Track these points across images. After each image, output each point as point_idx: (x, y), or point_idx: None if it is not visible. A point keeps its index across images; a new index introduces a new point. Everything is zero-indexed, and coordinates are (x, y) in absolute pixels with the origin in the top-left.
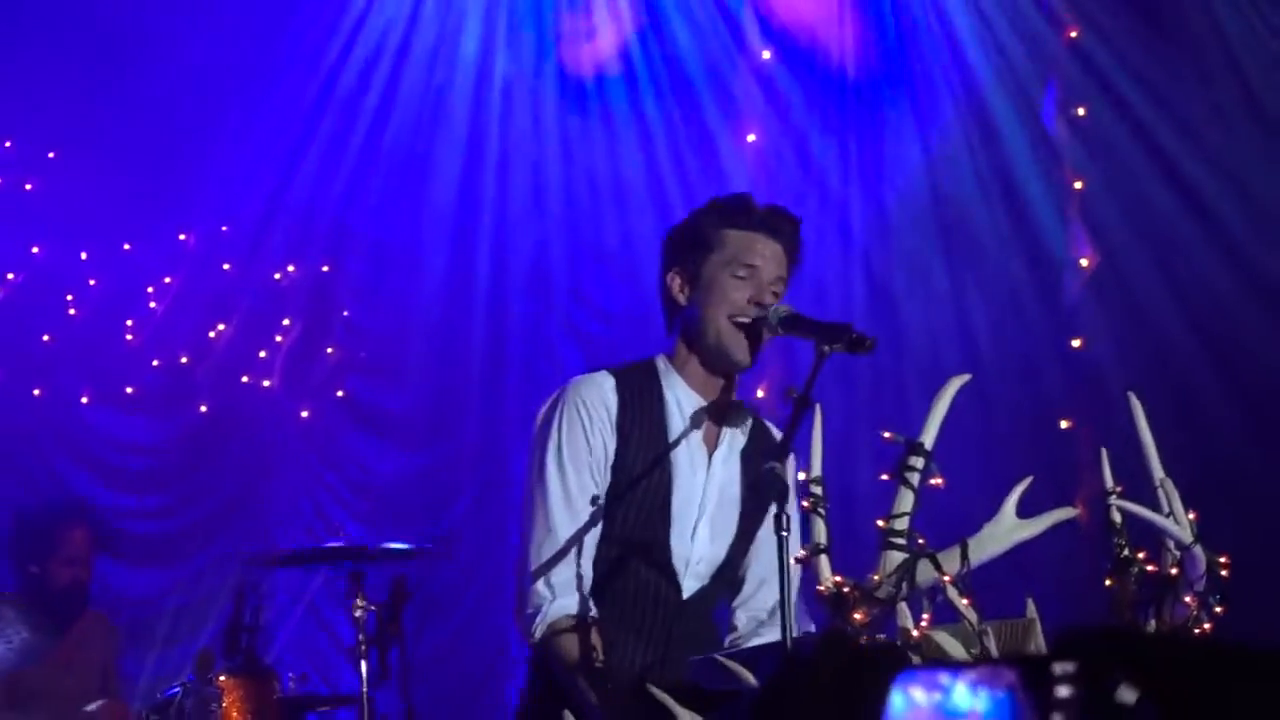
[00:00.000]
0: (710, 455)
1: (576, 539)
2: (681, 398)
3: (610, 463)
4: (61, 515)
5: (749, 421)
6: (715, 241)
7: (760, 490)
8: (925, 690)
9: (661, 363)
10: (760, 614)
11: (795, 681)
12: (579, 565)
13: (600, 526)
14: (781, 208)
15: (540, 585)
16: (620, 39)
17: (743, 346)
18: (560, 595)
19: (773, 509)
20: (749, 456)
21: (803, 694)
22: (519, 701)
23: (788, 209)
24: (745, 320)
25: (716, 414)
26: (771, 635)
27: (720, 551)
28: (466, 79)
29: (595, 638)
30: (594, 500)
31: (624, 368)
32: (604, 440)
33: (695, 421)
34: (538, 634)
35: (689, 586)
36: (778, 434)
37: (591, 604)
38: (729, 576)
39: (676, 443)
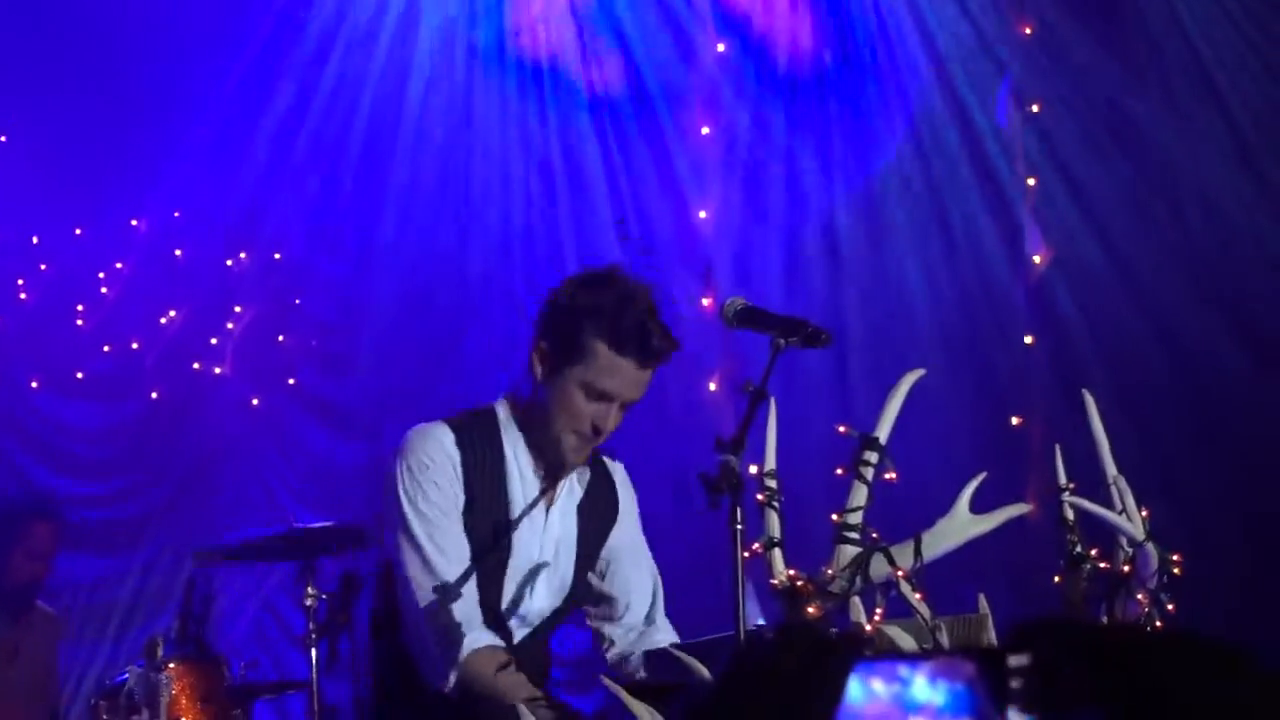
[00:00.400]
0: (547, 510)
1: (470, 578)
2: (520, 454)
3: (460, 516)
4: (30, 508)
5: (586, 472)
6: (585, 352)
7: (593, 528)
8: (884, 681)
9: (503, 412)
10: (637, 625)
11: (753, 669)
12: (475, 602)
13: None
14: (664, 333)
15: (451, 624)
16: (572, 27)
17: (577, 455)
18: (472, 630)
19: (620, 507)
20: (584, 508)
21: (760, 682)
22: None
23: (669, 331)
24: (585, 437)
25: (553, 470)
26: (668, 637)
27: (553, 602)
28: (423, 63)
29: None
30: (465, 543)
31: (462, 419)
32: (454, 490)
33: (533, 477)
34: (453, 678)
35: (519, 634)
36: (616, 471)
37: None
38: (559, 619)
39: (514, 502)
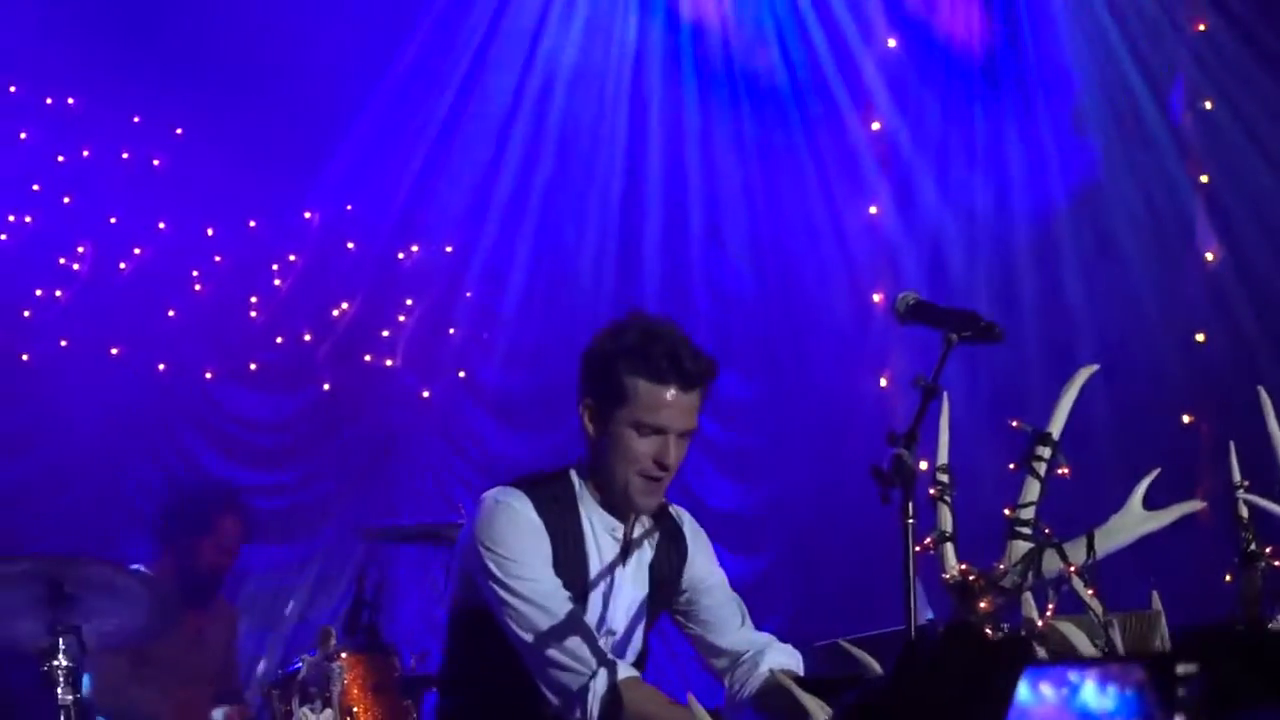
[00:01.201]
0: (624, 569)
1: (576, 615)
2: (594, 517)
3: (550, 565)
4: (219, 501)
5: (656, 533)
6: (626, 394)
7: (663, 580)
8: (1053, 685)
9: (576, 480)
10: (740, 648)
11: (921, 670)
12: (593, 637)
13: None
14: (696, 355)
15: (570, 668)
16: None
17: (648, 498)
18: (607, 664)
19: (688, 555)
20: (655, 568)
21: (928, 683)
22: None
23: (703, 352)
24: (651, 476)
25: (627, 522)
26: (780, 655)
27: (631, 659)
28: (595, 54)
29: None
30: (559, 588)
31: (536, 485)
32: (542, 547)
33: (608, 540)
34: (596, 709)
35: None
36: (683, 519)
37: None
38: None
39: (592, 566)
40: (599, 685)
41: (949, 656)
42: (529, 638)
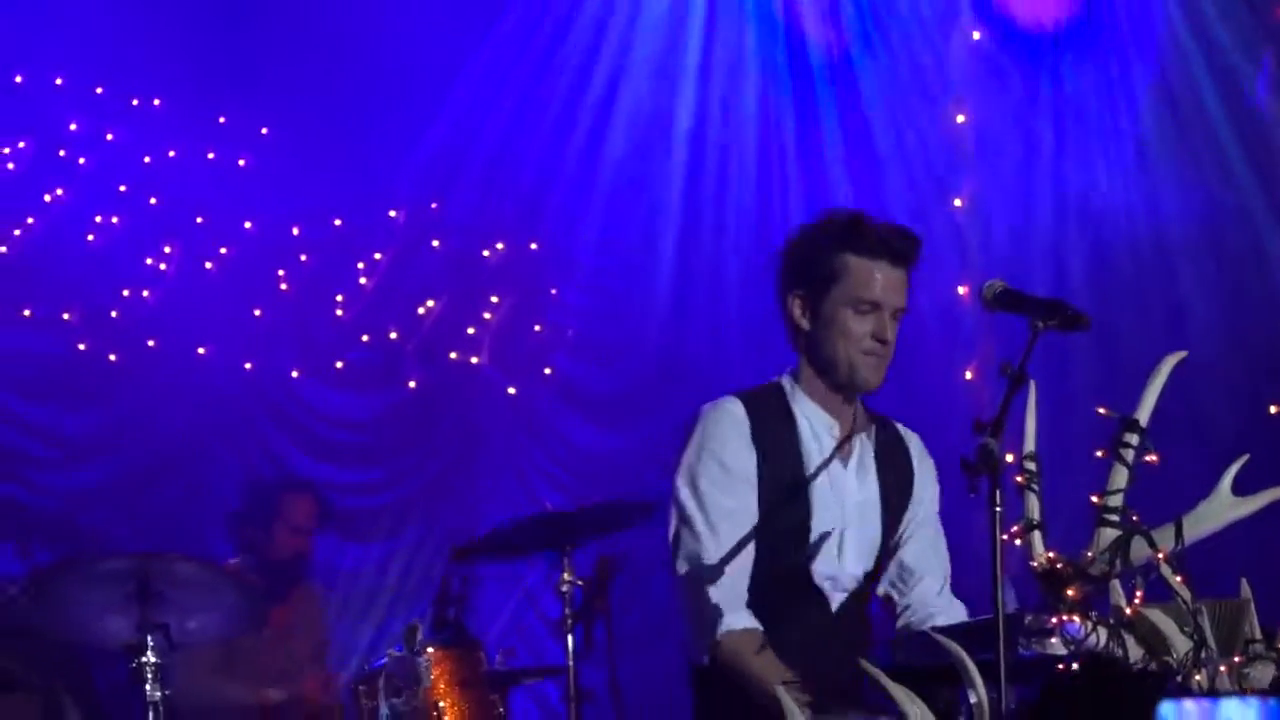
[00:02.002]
0: (845, 469)
1: (738, 556)
2: (810, 416)
3: (755, 486)
4: (291, 484)
5: (873, 428)
6: (836, 272)
7: (895, 492)
8: (1195, 703)
9: (787, 383)
10: (928, 600)
11: (1066, 701)
12: (743, 582)
13: (753, 546)
14: (904, 233)
15: (709, 604)
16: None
17: (874, 373)
18: (730, 612)
19: (915, 478)
20: (881, 463)
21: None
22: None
23: (910, 231)
24: (874, 353)
25: (845, 426)
26: (951, 616)
27: (866, 565)
28: (691, 57)
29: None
30: (746, 519)
31: (750, 392)
32: (745, 461)
33: (826, 434)
34: (711, 652)
35: (836, 600)
36: (912, 441)
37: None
38: (873, 585)
39: (811, 462)
40: (721, 631)
41: (1092, 687)
42: (684, 562)
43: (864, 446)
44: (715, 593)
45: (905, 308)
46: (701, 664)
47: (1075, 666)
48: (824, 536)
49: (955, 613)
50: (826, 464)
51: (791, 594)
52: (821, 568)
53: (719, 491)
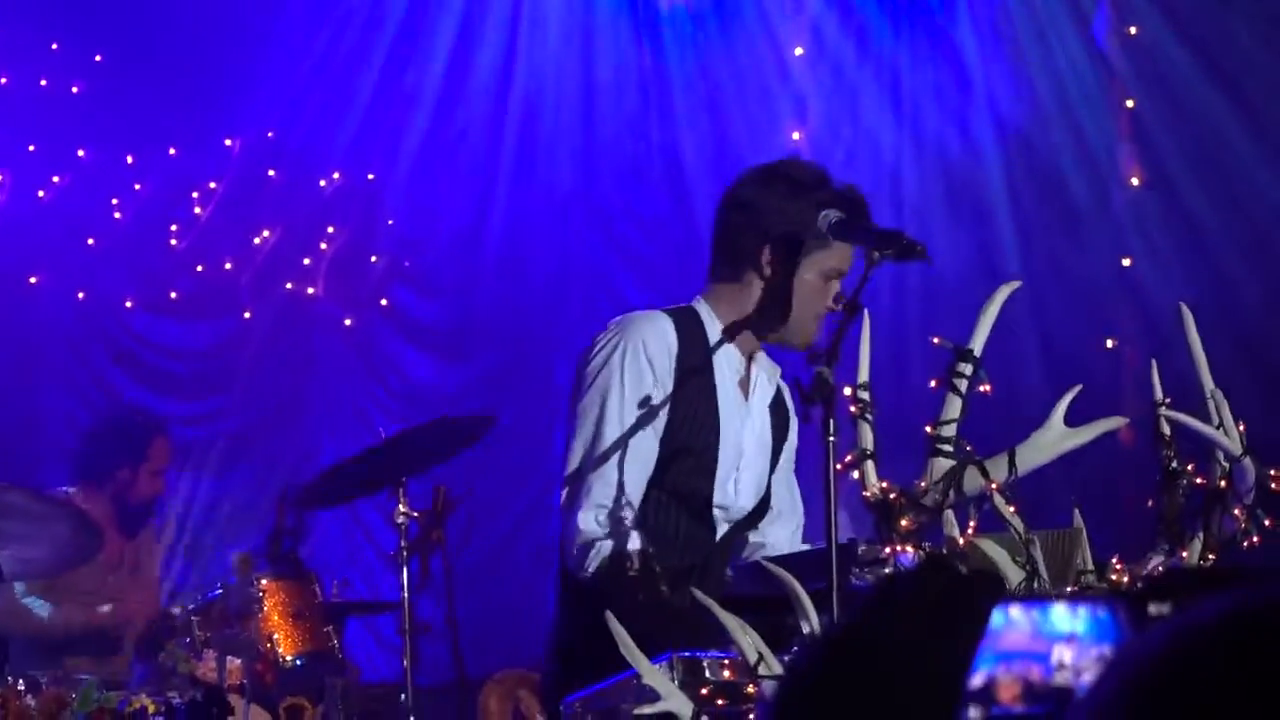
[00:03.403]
0: (747, 404)
1: (635, 479)
2: (721, 353)
3: (667, 406)
4: (151, 426)
5: (776, 370)
6: (825, 247)
7: (776, 432)
8: (1023, 608)
9: (704, 309)
10: (779, 548)
11: (898, 607)
12: (633, 505)
13: (650, 465)
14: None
15: (593, 523)
16: None
17: (814, 337)
18: (617, 535)
19: (790, 422)
20: (773, 408)
21: (903, 620)
22: (552, 634)
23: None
24: (824, 313)
25: (749, 363)
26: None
27: (752, 500)
28: None
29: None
30: (650, 442)
31: (675, 311)
32: (664, 384)
33: (733, 367)
34: (590, 569)
35: (720, 530)
36: (786, 391)
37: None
38: (753, 520)
39: (722, 392)
40: (606, 548)
41: (925, 592)
42: (578, 471)
43: (764, 386)
44: (610, 511)
45: None
46: (579, 576)
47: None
48: (725, 468)
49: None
50: (733, 396)
51: (684, 520)
52: (718, 498)
53: (631, 404)
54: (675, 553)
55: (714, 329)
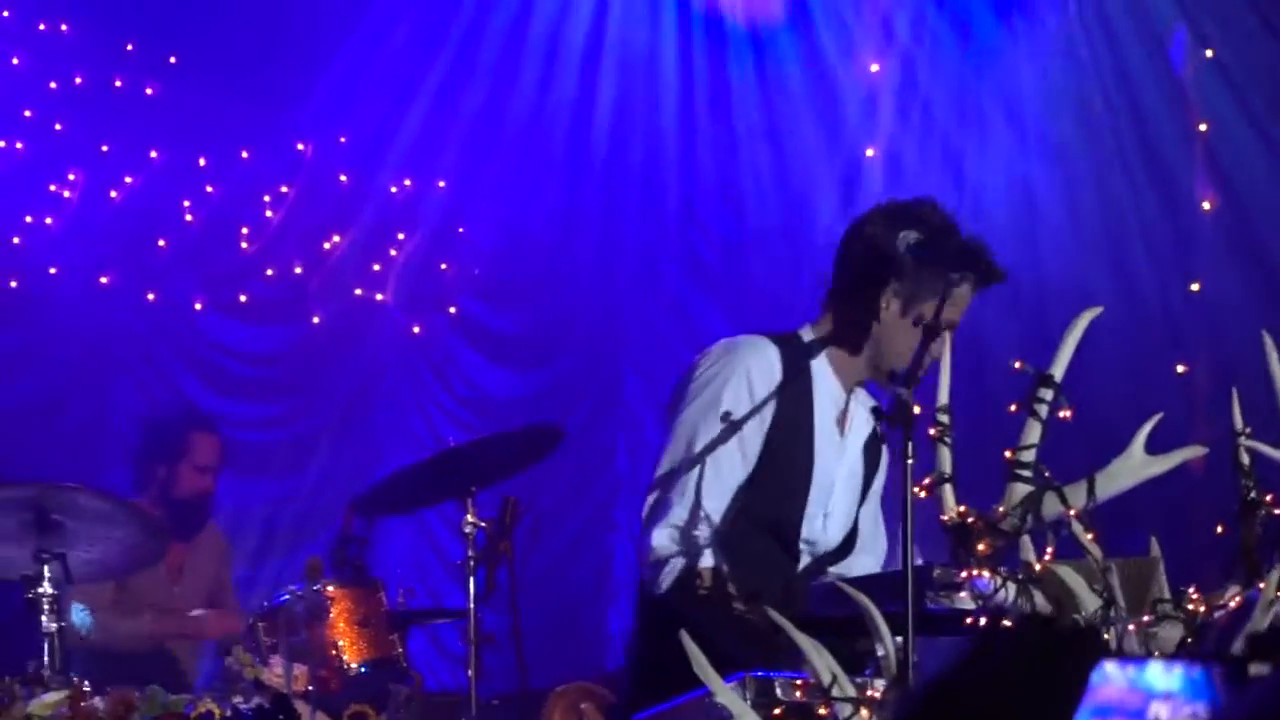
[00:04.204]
0: (843, 439)
1: (715, 503)
2: (827, 378)
3: (763, 435)
4: (195, 421)
5: (870, 402)
6: (938, 286)
7: (868, 469)
8: (1119, 664)
9: (810, 339)
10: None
11: (989, 665)
12: (712, 528)
13: (736, 495)
14: (999, 269)
15: (667, 540)
16: None
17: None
18: (691, 553)
19: (882, 459)
20: (869, 442)
21: (996, 680)
22: (634, 646)
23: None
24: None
25: (849, 398)
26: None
27: (838, 536)
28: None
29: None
30: (737, 470)
31: (781, 337)
32: (764, 412)
33: (833, 402)
34: (664, 585)
35: (804, 562)
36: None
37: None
38: (839, 554)
39: (819, 426)
40: (679, 565)
41: (1024, 651)
42: (665, 489)
43: (861, 424)
44: (686, 530)
45: None
46: (654, 592)
47: (1003, 623)
48: (815, 503)
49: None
50: (830, 430)
51: (769, 549)
52: (806, 532)
53: (726, 431)
54: (756, 579)
55: (819, 361)
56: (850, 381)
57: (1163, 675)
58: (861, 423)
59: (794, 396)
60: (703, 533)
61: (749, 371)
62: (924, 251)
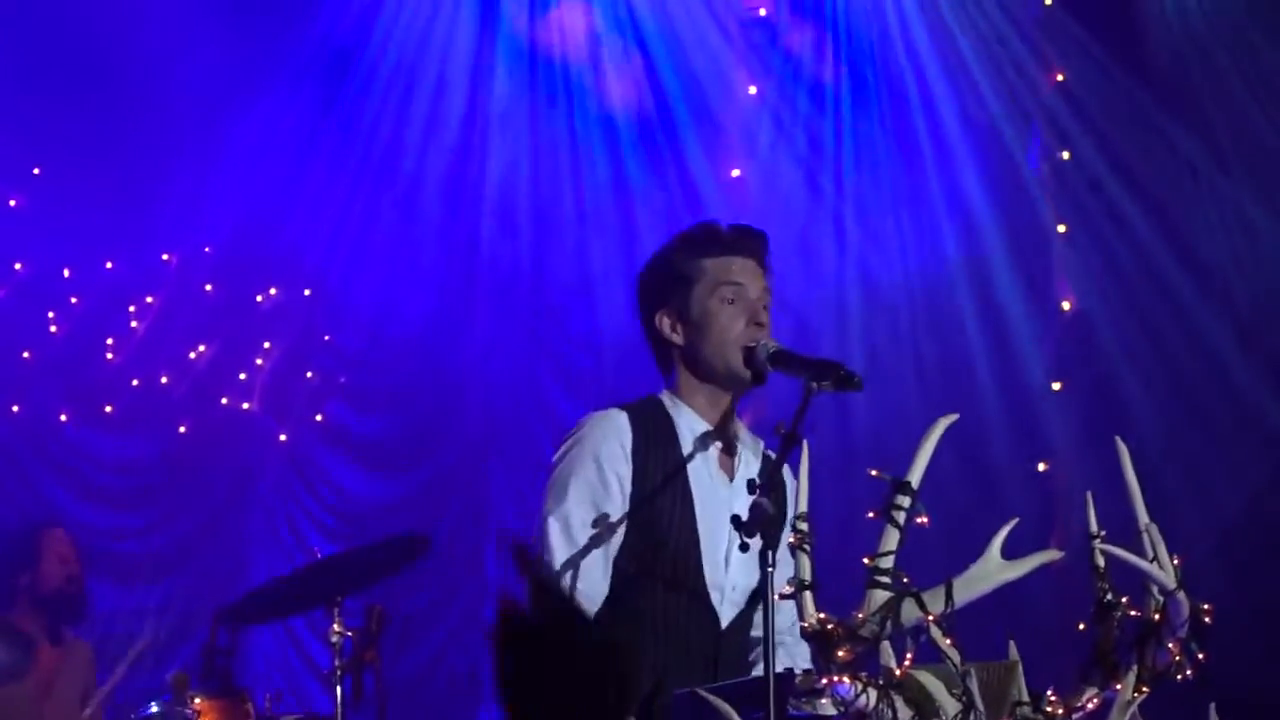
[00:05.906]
0: (731, 480)
1: (596, 567)
2: (693, 425)
3: (627, 495)
4: (40, 520)
5: (759, 445)
6: (693, 274)
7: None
8: None
9: (666, 398)
10: (780, 633)
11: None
12: (599, 589)
13: (627, 560)
14: (745, 225)
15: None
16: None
17: (748, 357)
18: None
19: (786, 492)
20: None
21: None
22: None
23: (747, 225)
24: (751, 344)
25: (727, 440)
26: (794, 655)
27: (751, 576)
28: (456, 106)
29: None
30: (596, 530)
31: (632, 404)
32: (616, 474)
33: (708, 447)
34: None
35: (726, 614)
36: (786, 468)
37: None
38: (759, 596)
39: (696, 475)
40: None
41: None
42: (546, 572)
43: (748, 462)
44: (585, 592)
45: (769, 289)
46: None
47: None
48: (710, 548)
49: (800, 651)
50: (710, 473)
51: (681, 603)
52: (712, 579)
53: (582, 500)
54: (680, 640)
55: (681, 411)
56: (720, 416)
57: None
58: (749, 462)
59: (657, 453)
60: (594, 599)
61: (591, 440)
62: (657, 268)
